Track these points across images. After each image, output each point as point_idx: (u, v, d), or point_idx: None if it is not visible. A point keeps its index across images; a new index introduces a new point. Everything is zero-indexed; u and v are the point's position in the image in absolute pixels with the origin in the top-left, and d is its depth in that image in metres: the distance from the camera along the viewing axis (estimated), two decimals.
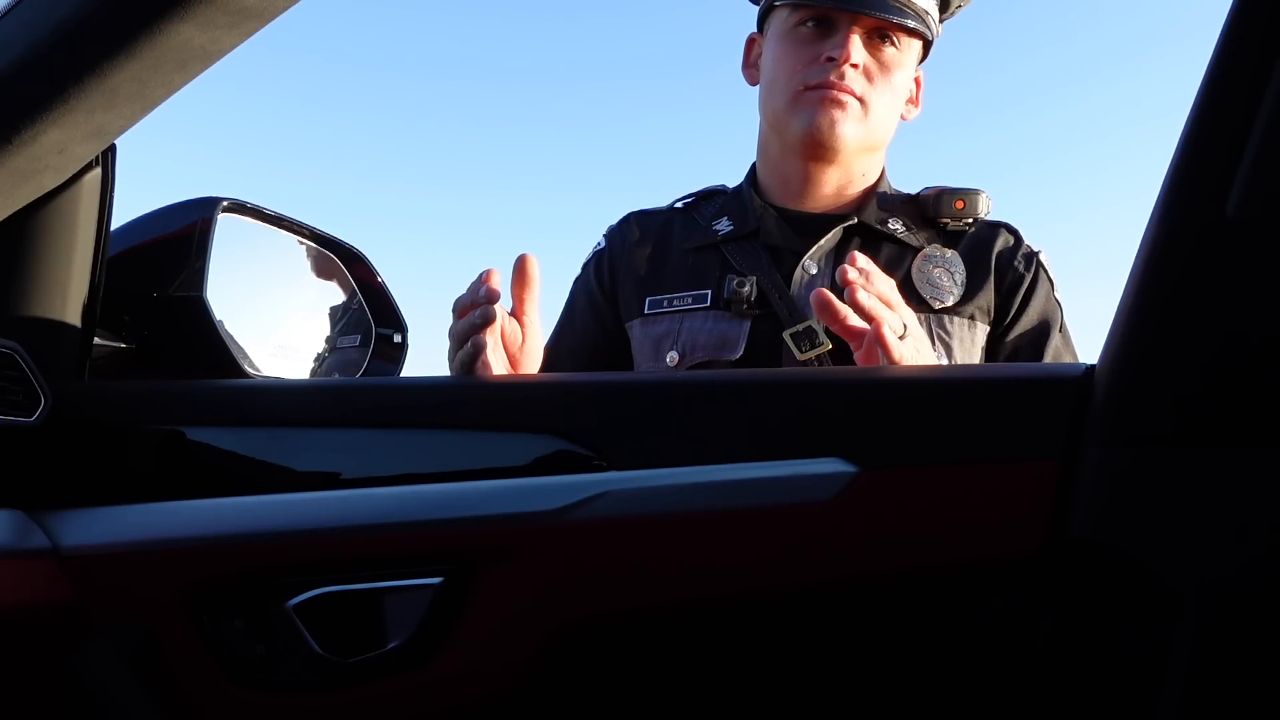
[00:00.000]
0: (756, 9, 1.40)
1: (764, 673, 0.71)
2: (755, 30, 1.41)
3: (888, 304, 0.97)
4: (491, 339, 0.92)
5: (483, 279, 0.92)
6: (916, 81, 1.37)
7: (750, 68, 1.42)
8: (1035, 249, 1.34)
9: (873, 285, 0.96)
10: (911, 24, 1.26)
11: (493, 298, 0.91)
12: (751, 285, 1.26)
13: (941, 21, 1.34)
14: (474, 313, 0.91)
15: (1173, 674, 0.61)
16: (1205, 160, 0.60)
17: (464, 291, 0.95)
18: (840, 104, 1.26)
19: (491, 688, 0.70)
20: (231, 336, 0.98)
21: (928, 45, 1.34)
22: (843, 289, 0.95)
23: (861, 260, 0.97)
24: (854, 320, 0.95)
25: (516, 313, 0.98)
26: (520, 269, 0.96)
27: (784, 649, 0.71)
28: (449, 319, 0.97)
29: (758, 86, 1.39)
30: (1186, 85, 0.62)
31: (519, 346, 0.99)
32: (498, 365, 0.96)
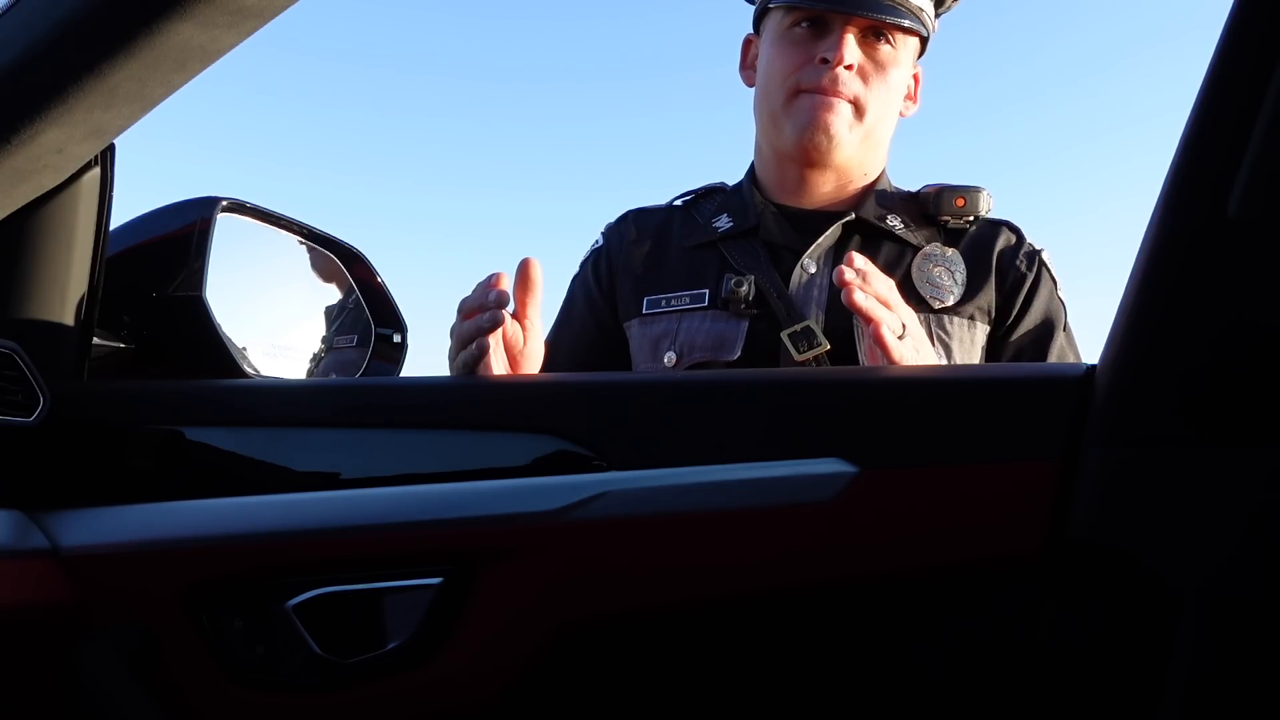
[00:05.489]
0: (753, 10, 1.40)
1: (764, 672, 0.71)
2: (752, 31, 1.41)
3: (886, 304, 0.96)
4: (494, 341, 0.92)
5: (491, 282, 0.92)
6: (915, 78, 1.37)
7: (747, 69, 1.42)
8: (1038, 248, 1.33)
9: (870, 285, 0.95)
10: (906, 23, 1.26)
11: (502, 302, 0.91)
12: (749, 285, 1.26)
13: (937, 16, 1.34)
14: (482, 316, 0.91)
15: (1173, 674, 0.61)
16: (1206, 160, 0.60)
17: (470, 293, 0.95)
18: (834, 109, 1.26)
19: (491, 688, 0.70)
20: (230, 337, 0.98)
21: (924, 41, 1.34)
22: (840, 289, 0.95)
23: (859, 260, 0.97)
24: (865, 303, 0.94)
25: (518, 315, 0.98)
26: (524, 272, 0.96)
27: (784, 649, 0.71)
28: (449, 319, 0.97)
29: (754, 88, 1.38)
30: (1189, 84, 0.62)
31: (520, 349, 0.99)
32: (499, 367, 0.96)
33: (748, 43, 1.42)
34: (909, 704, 0.70)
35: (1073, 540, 0.64)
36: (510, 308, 0.93)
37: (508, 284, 0.93)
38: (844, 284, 0.94)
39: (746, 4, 1.41)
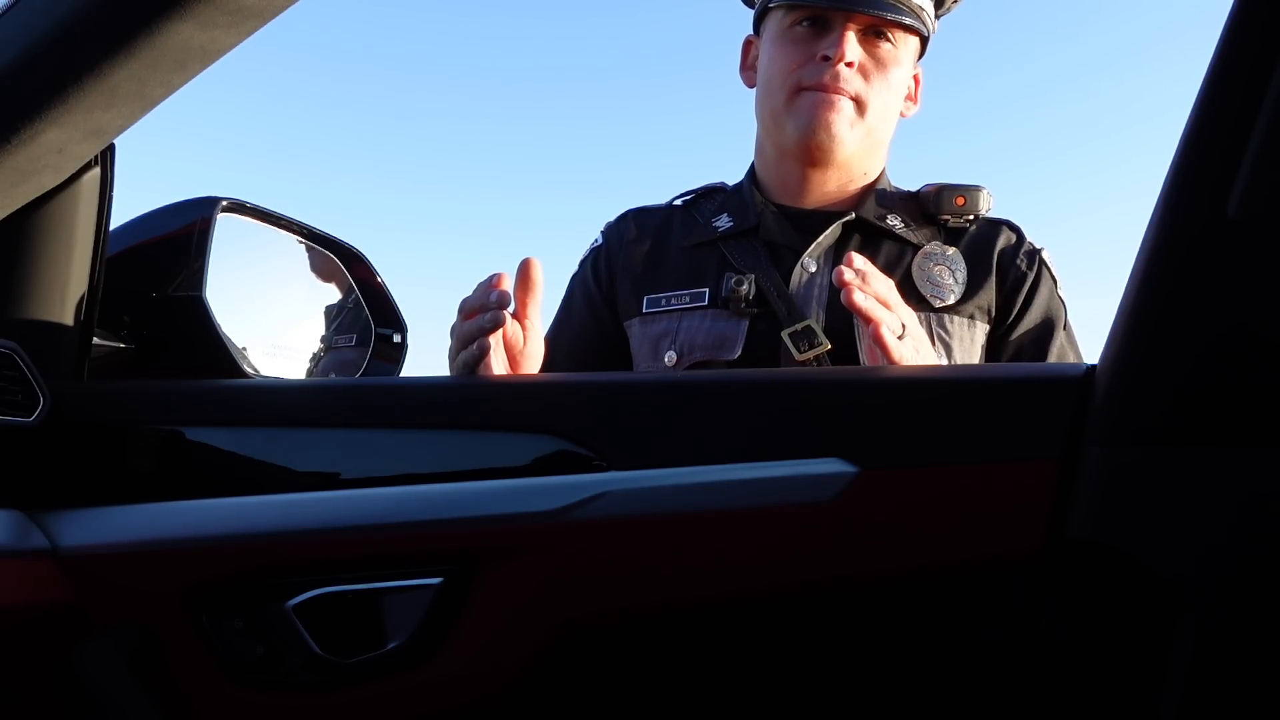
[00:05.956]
0: (751, 13, 1.40)
1: (764, 672, 0.71)
2: (752, 33, 1.41)
3: (885, 304, 0.96)
4: (494, 341, 0.92)
5: (493, 283, 0.92)
6: (915, 79, 1.37)
7: (748, 70, 1.42)
8: (1038, 247, 1.33)
9: (869, 286, 0.95)
10: (907, 20, 1.26)
11: (504, 302, 0.91)
12: (750, 284, 1.26)
13: (937, 18, 1.34)
14: (484, 316, 0.91)
15: (1173, 673, 0.61)
16: (1206, 160, 0.60)
17: (471, 293, 0.95)
18: (836, 107, 1.26)
19: (491, 688, 0.70)
20: (230, 337, 0.98)
21: (925, 42, 1.34)
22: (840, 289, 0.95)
23: (858, 261, 0.97)
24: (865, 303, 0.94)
25: (519, 315, 0.98)
26: (524, 273, 0.96)
27: (784, 649, 0.71)
28: (449, 319, 0.97)
29: (754, 88, 1.39)
30: (1189, 84, 0.62)
31: (520, 348, 0.99)
32: (499, 367, 0.96)
33: (748, 44, 1.42)
34: (909, 704, 0.70)
35: (1073, 540, 0.64)
36: (511, 308, 0.93)
37: (508, 284, 0.93)
38: (843, 284, 0.94)
39: (746, 6, 1.41)
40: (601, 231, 1.46)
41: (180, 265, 0.97)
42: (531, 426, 0.76)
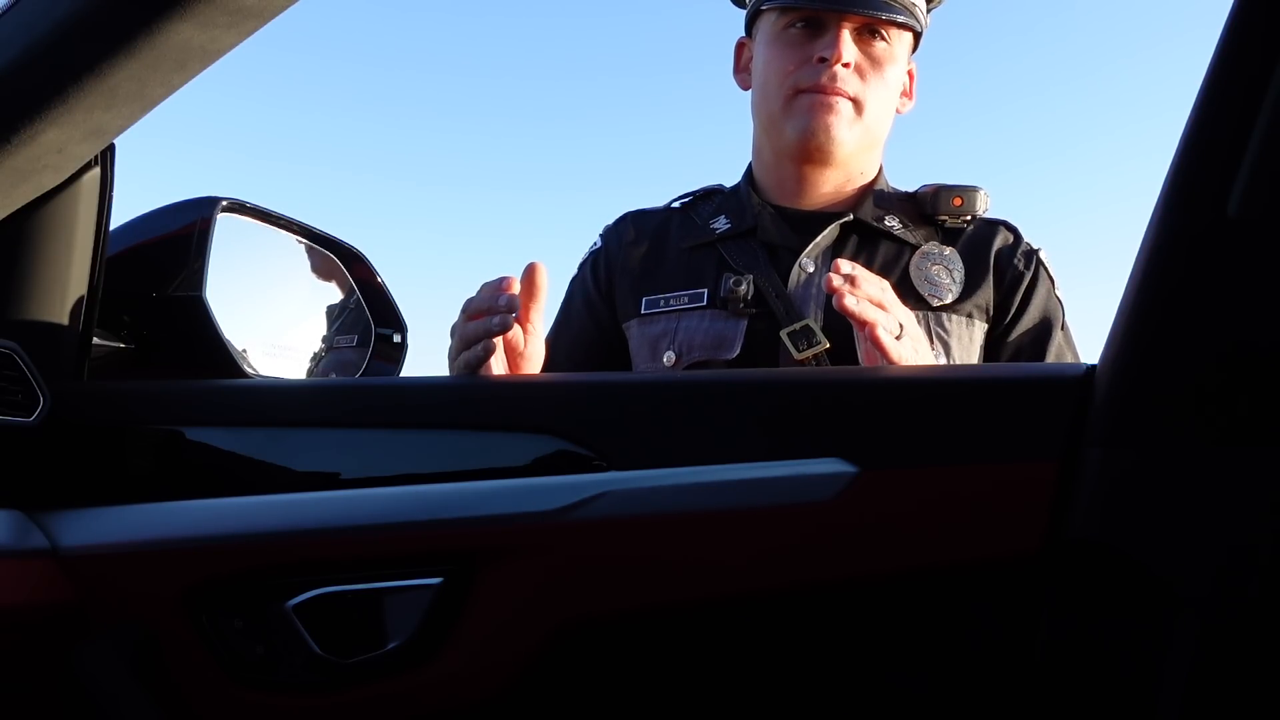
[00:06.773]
0: (744, 13, 1.40)
1: (764, 672, 0.71)
2: (744, 35, 1.41)
3: (880, 305, 0.97)
4: (497, 342, 0.93)
5: (502, 286, 0.93)
6: (910, 74, 1.37)
7: (741, 72, 1.42)
8: (1035, 246, 1.33)
9: (860, 289, 0.96)
10: (900, 18, 1.26)
11: (513, 307, 0.92)
12: (748, 284, 1.26)
13: (929, 11, 1.34)
14: (492, 319, 0.92)
15: (1171, 673, 0.61)
16: (1206, 160, 0.60)
17: (476, 294, 0.95)
18: (834, 108, 1.26)
19: (491, 688, 0.70)
20: (230, 337, 0.98)
21: (918, 37, 1.34)
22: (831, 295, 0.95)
23: (846, 265, 0.97)
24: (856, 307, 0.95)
25: (521, 318, 0.98)
26: (530, 277, 0.96)
27: (784, 649, 0.71)
28: (449, 319, 0.98)
29: (750, 91, 1.39)
30: (1189, 84, 0.62)
31: (520, 351, 0.99)
32: (499, 368, 0.96)
33: (740, 46, 1.42)
34: (908, 704, 0.70)
35: (1072, 540, 0.64)
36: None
37: (517, 288, 0.93)
38: (833, 289, 0.94)
39: (736, 8, 1.41)
40: (600, 234, 1.46)
41: (180, 265, 0.97)
42: (531, 426, 0.76)
